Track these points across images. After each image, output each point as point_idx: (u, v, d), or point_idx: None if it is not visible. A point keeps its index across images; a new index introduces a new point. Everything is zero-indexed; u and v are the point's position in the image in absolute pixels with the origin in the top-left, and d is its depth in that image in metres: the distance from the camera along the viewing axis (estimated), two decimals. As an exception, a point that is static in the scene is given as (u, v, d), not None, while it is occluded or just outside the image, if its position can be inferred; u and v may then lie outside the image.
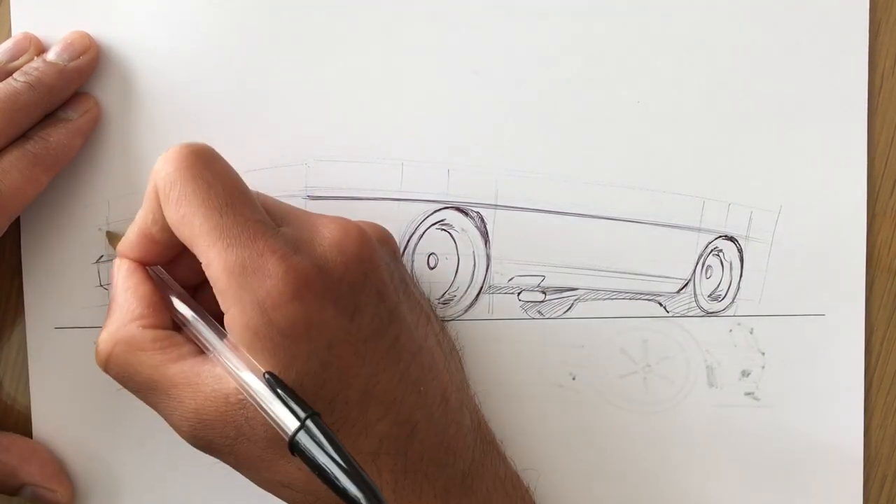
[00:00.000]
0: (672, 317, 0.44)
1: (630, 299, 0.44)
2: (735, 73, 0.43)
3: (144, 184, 0.41)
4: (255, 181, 0.41)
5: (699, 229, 0.44)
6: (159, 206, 0.35)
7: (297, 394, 0.33)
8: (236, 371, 0.34)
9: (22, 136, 0.39)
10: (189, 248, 0.35)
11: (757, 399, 0.44)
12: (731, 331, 0.44)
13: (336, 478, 0.31)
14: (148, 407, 0.37)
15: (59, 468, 0.42)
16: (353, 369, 0.35)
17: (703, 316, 0.44)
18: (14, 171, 0.38)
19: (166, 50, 0.41)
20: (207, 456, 0.36)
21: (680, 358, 0.44)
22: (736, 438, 0.44)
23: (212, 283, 0.34)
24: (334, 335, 0.34)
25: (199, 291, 0.38)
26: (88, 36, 0.40)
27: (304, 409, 0.32)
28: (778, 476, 0.45)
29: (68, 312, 0.42)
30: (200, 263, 0.35)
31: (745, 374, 0.44)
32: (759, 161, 0.43)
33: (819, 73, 0.43)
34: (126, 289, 0.37)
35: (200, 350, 0.36)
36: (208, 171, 0.35)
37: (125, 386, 0.37)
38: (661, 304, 0.44)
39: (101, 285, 0.42)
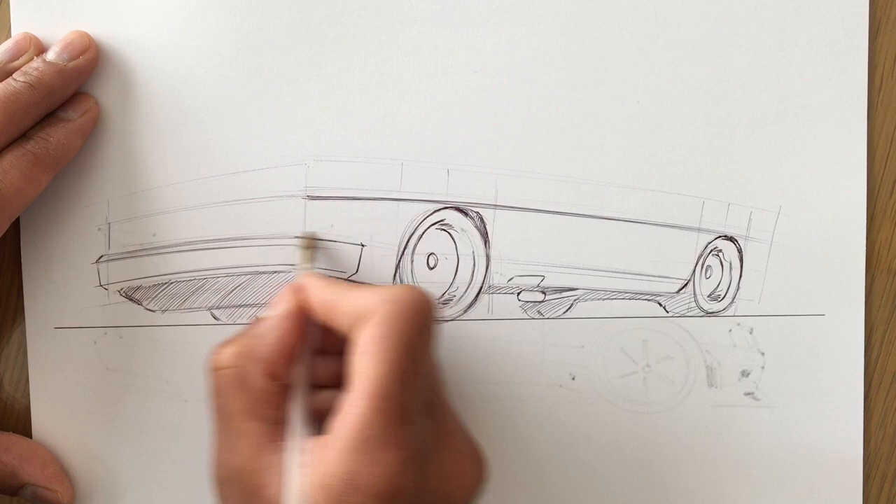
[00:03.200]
0: (672, 317, 0.44)
1: (630, 299, 0.44)
2: (735, 73, 0.43)
3: (144, 184, 0.41)
4: (255, 181, 0.42)
5: (699, 229, 0.44)
6: (364, 316, 0.35)
7: None
8: (286, 482, 0.34)
9: (22, 137, 0.39)
10: (349, 367, 0.35)
11: (757, 399, 0.44)
12: (730, 331, 0.44)
13: None
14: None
15: (60, 468, 0.42)
16: None
17: (702, 316, 0.44)
18: (14, 171, 0.38)
19: (166, 50, 0.41)
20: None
21: (680, 358, 0.44)
22: (736, 438, 0.44)
23: (339, 416, 0.34)
24: None
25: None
26: (88, 36, 0.40)
27: None
28: (778, 476, 0.45)
29: (68, 312, 0.42)
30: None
31: (744, 374, 0.44)
32: (759, 161, 0.43)
33: (819, 73, 0.43)
34: (275, 327, 0.37)
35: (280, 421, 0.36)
36: (420, 337, 0.35)
37: (211, 395, 0.37)
38: (660, 304, 0.44)
39: (101, 285, 0.42)
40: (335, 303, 0.36)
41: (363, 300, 0.35)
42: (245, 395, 0.36)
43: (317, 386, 0.38)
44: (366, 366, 0.34)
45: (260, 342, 0.37)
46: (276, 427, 0.36)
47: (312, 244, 0.41)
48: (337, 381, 0.38)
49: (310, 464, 0.34)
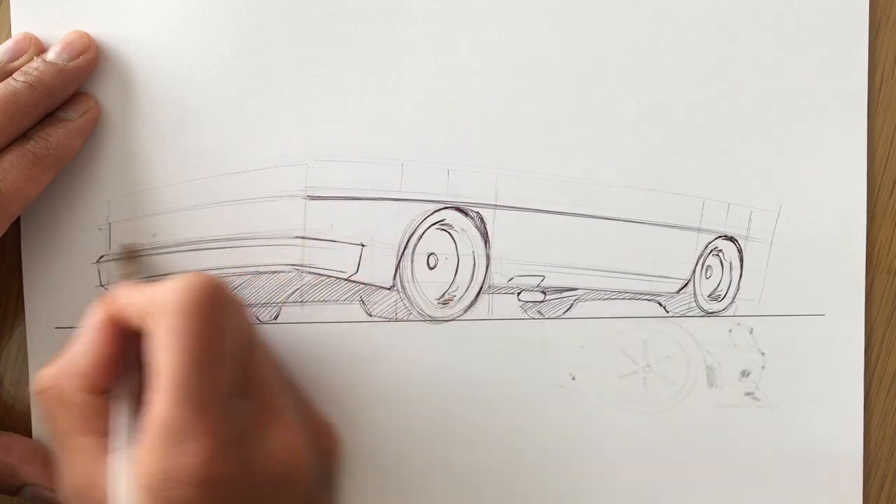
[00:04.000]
0: (672, 317, 0.44)
1: (630, 299, 0.44)
2: (735, 73, 0.43)
3: (144, 183, 0.41)
4: (255, 181, 0.42)
5: (699, 229, 0.44)
6: (153, 311, 0.35)
7: None
8: (113, 491, 0.34)
9: (22, 137, 0.39)
10: (152, 366, 0.35)
11: (757, 399, 0.44)
12: (730, 331, 0.44)
13: None
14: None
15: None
16: None
17: (703, 316, 0.44)
18: (14, 171, 0.38)
19: (166, 50, 0.41)
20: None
21: (680, 358, 0.44)
22: (736, 438, 0.44)
23: (146, 417, 0.34)
24: None
25: None
26: (88, 36, 0.40)
27: None
28: (778, 476, 0.45)
29: (68, 312, 0.42)
30: None
31: (744, 374, 0.44)
32: (759, 161, 0.43)
33: (819, 73, 0.43)
34: (87, 341, 0.36)
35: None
36: (211, 322, 0.34)
37: (43, 420, 0.37)
38: (661, 304, 0.44)
39: (102, 285, 0.42)
40: (137, 303, 0.36)
41: (155, 293, 0.35)
42: (68, 412, 0.36)
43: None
44: (162, 359, 0.34)
45: (75, 358, 0.36)
46: (106, 439, 0.36)
47: (132, 254, 0.41)
48: None
49: (130, 466, 0.34)
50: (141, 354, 0.37)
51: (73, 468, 0.36)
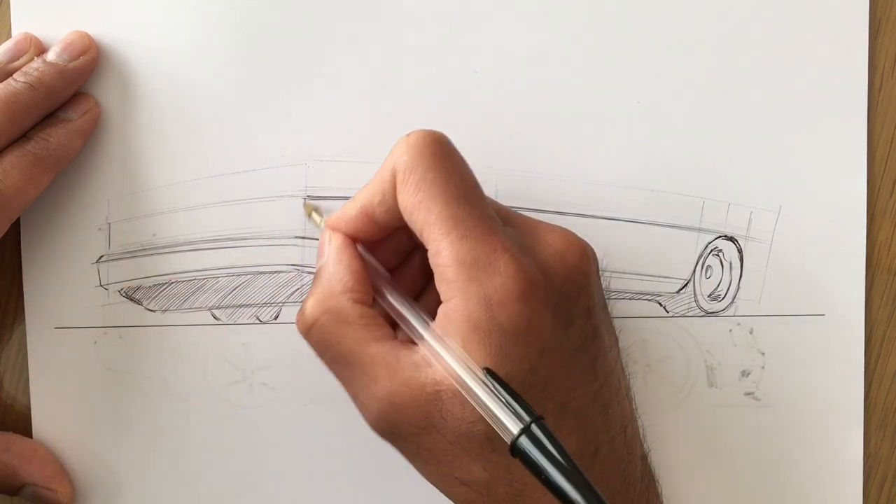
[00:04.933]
0: (672, 317, 0.44)
1: (630, 299, 0.44)
2: (735, 73, 0.43)
3: (144, 183, 0.41)
4: (255, 181, 0.42)
5: (699, 229, 0.44)
6: (392, 187, 0.35)
7: (520, 395, 0.32)
8: (448, 360, 0.34)
9: (22, 137, 0.39)
10: (417, 233, 0.35)
11: (757, 399, 0.44)
12: (730, 331, 0.44)
13: (562, 486, 0.30)
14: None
15: (60, 468, 0.42)
16: (556, 380, 0.35)
17: (703, 316, 0.44)
18: (14, 171, 0.38)
19: (166, 50, 0.41)
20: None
21: (680, 358, 0.44)
22: (736, 438, 0.44)
23: (438, 270, 0.34)
24: (547, 343, 0.34)
25: (395, 277, 0.39)
26: (88, 36, 0.40)
27: (528, 413, 0.32)
28: (778, 476, 0.45)
29: (68, 312, 0.42)
30: (403, 249, 0.37)
31: (745, 374, 0.44)
32: (759, 161, 0.43)
33: (819, 73, 0.43)
34: (339, 261, 0.37)
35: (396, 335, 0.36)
36: (449, 160, 0.35)
37: (321, 356, 0.37)
38: (661, 304, 0.44)
39: (101, 285, 0.42)
40: (364, 202, 0.37)
41: (378, 177, 0.36)
42: (351, 328, 0.36)
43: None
44: (425, 213, 0.34)
45: (333, 280, 0.36)
46: (395, 340, 0.36)
47: (317, 208, 0.41)
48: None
49: (443, 332, 0.34)
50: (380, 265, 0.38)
51: (376, 378, 0.35)
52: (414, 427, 0.35)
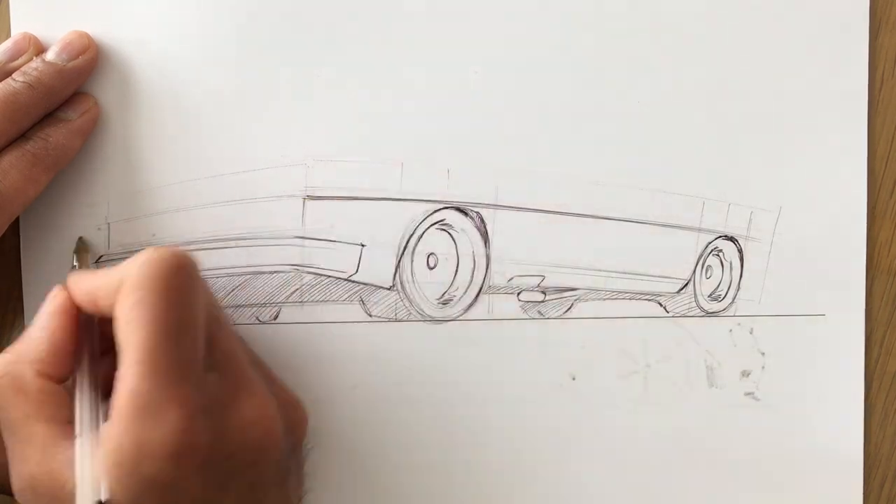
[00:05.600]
0: (672, 317, 0.44)
1: (630, 299, 0.44)
2: (735, 73, 0.43)
3: (144, 183, 0.41)
4: (255, 181, 0.42)
5: (699, 229, 0.44)
6: (116, 291, 0.34)
7: None
8: (80, 474, 0.33)
9: (21, 137, 0.39)
10: (117, 347, 0.34)
11: (757, 399, 0.44)
12: (731, 331, 0.44)
13: None
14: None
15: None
16: None
17: (703, 316, 0.44)
18: (14, 171, 0.38)
19: (166, 50, 0.41)
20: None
21: (680, 358, 0.44)
22: (736, 438, 0.44)
23: (115, 393, 0.34)
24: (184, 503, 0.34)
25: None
26: (87, 36, 0.40)
27: None
28: (778, 476, 0.45)
29: (68, 312, 0.42)
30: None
31: (745, 374, 0.44)
32: (759, 161, 0.43)
33: (819, 73, 0.43)
34: (44, 327, 0.36)
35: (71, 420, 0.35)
36: (177, 292, 0.34)
37: None
38: (661, 304, 0.44)
39: (101, 285, 0.42)
40: (93, 286, 0.36)
41: (114, 273, 0.35)
42: (24, 400, 0.35)
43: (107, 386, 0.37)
44: (128, 334, 0.33)
45: (30, 344, 0.36)
46: (66, 427, 0.35)
47: (84, 248, 0.41)
48: None
49: (99, 447, 0.33)
50: (97, 342, 0.37)
51: (28, 457, 0.35)
52: None
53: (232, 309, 0.42)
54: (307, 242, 0.42)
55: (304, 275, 0.42)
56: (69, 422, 0.35)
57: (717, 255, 0.44)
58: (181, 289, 0.34)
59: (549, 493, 0.44)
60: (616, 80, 0.43)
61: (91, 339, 0.37)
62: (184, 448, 0.33)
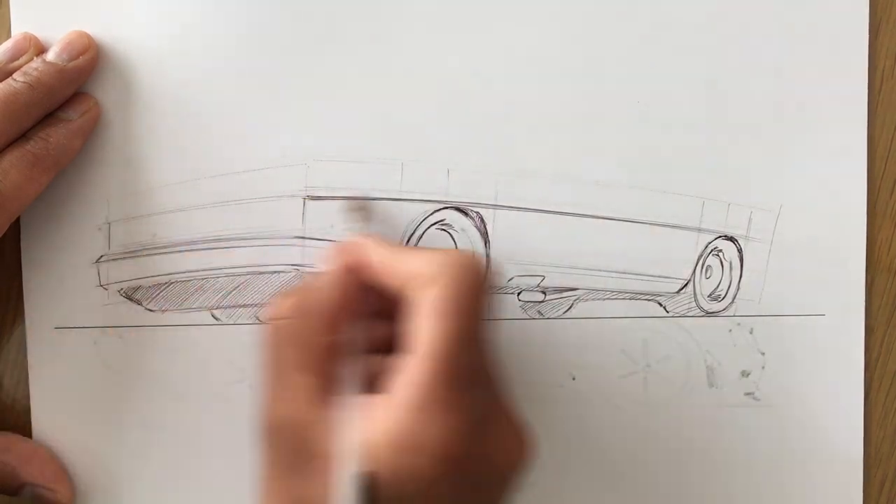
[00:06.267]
0: (672, 317, 0.44)
1: (630, 299, 0.44)
2: (735, 73, 0.43)
3: (144, 183, 0.41)
4: (255, 181, 0.42)
5: (699, 229, 0.44)
6: (420, 280, 0.35)
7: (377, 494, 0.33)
8: (347, 438, 0.34)
9: (22, 137, 0.39)
10: (411, 330, 0.35)
11: (757, 399, 0.44)
12: (730, 331, 0.44)
13: None
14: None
15: (60, 468, 0.42)
16: None
17: (702, 316, 0.44)
18: (14, 171, 0.38)
19: (166, 50, 0.41)
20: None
21: (680, 358, 0.44)
22: (736, 438, 0.44)
23: (404, 377, 0.34)
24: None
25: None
26: (88, 36, 0.40)
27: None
28: (778, 476, 0.45)
29: (68, 312, 0.42)
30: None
31: (745, 374, 0.44)
32: (759, 161, 0.43)
33: (819, 73, 0.43)
34: (336, 282, 0.37)
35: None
36: (482, 304, 0.35)
37: (263, 343, 0.36)
38: (661, 304, 0.44)
39: (101, 285, 0.42)
40: (394, 262, 0.36)
41: (424, 261, 0.35)
42: (300, 348, 0.36)
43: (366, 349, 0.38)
44: (430, 328, 0.34)
45: (319, 296, 0.36)
46: (327, 383, 0.35)
47: (363, 206, 0.41)
48: (385, 346, 0.38)
49: (366, 421, 0.34)
50: (368, 307, 0.37)
51: (285, 402, 0.35)
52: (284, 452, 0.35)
53: (232, 309, 0.42)
54: (307, 242, 0.42)
55: (304, 275, 0.42)
56: (334, 379, 0.36)
57: (717, 255, 0.44)
58: (482, 300, 0.35)
59: (548, 493, 0.44)
60: (616, 80, 0.43)
61: (367, 302, 0.37)
62: (454, 453, 0.33)
